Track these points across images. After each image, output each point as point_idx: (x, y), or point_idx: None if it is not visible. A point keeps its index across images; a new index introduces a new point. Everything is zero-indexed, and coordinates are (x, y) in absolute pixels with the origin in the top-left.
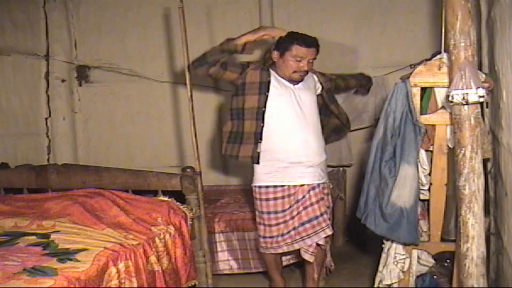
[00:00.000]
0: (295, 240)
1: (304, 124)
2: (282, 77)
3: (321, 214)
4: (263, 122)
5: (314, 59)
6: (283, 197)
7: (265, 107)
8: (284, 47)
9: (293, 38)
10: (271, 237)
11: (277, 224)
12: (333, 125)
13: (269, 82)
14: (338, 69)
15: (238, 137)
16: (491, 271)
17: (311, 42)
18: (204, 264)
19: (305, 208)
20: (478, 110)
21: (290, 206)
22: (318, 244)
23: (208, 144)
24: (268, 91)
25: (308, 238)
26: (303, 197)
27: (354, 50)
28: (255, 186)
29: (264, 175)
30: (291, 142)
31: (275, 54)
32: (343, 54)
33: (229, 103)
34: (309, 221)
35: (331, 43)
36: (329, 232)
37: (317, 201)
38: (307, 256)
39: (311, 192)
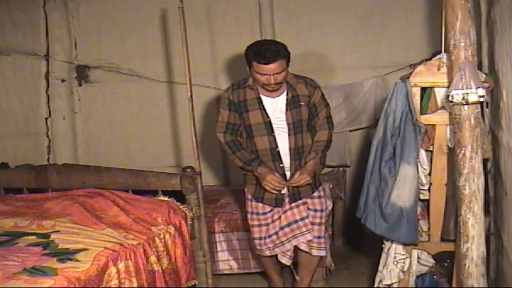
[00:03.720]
0: (276, 245)
1: (281, 135)
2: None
3: (301, 219)
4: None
5: (283, 71)
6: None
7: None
8: (247, 62)
9: (252, 53)
10: (257, 238)
11: (259, 225)
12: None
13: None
14: (338, 69)
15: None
16: (491, 271)
17: (270, 58)
18: (204, 264)
19: (284, 212)
20: (478, 110)
21: (271, 210)
22: (303, 251)
23: (208, 144)
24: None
25: (287, 242)
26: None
27: (354, 50)
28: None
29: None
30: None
31: (247, 68)
32: (343, 54)
33: None
34: (288, 225)
35: (331, 43)
36: (309, 237)
37: (297, 206)
38: (284, 260)
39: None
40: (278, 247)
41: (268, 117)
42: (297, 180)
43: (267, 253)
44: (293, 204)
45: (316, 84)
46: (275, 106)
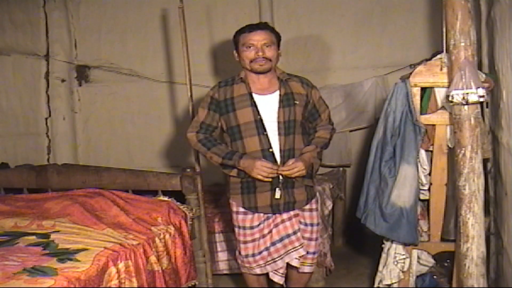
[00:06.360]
0: (267, 262)
1: (272, 135)
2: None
3: (294, 232)
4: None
5: (272, 45)
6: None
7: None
8: (235, 42)
9: (238, 30)
10: (245, 255)
11: (252, 241)
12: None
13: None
14: (338, 69)
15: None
16: (491, 271)
17: (254, 26)
18: (204, 264)
19: (276, 226)
20: (478, 110)
21: (260, 224)
22: (293, 266)
23: None
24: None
25: (279, 259)
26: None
27: (354, 50)
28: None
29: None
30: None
31: (235, 55)
32: (343, 54)
33: None
34: (281, 240)
35: (331, 43)
36: (302, 252)
37: (289, 218)
38: (276, 278)
39: None
40: (269, 264)
41: (259, 114)
42: (291, 167)
43: (257, 271)
44: (285, 217)
45: (312, 84)
46: (267, 104)
